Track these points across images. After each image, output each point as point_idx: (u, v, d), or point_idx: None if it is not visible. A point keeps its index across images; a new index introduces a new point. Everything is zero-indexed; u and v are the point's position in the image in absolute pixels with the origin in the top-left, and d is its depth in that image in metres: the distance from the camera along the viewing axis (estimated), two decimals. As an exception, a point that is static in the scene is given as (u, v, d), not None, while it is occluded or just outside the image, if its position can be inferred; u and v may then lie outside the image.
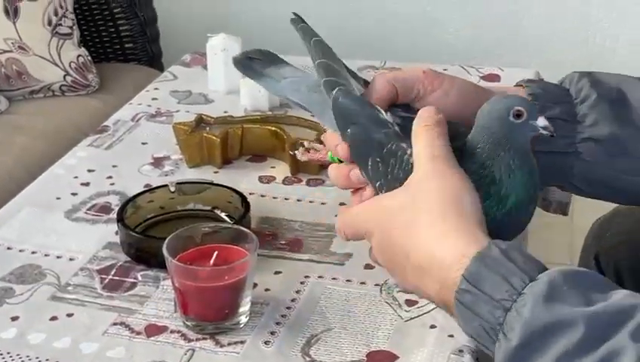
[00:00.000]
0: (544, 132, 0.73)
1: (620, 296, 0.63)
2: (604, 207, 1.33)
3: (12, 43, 2.04)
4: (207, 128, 1.49)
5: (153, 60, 2.34)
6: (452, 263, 0.68)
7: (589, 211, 1.60)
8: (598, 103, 0.82)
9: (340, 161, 0.87)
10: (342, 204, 1.34)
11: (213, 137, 1.45)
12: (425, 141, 0.75)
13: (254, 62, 0.99)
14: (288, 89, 0.95)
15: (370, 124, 0.82)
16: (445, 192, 0.71)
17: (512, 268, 0.65)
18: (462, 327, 0.69)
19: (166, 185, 1.32)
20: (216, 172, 1.45)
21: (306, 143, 0.98)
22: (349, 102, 0.84)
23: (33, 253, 1.24)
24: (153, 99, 1.76)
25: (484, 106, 0.75)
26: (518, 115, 0.72)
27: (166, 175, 1.45)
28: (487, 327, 0.65)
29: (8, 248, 1.26)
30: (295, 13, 0.94)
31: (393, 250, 0.74)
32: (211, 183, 1.35)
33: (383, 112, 0.84)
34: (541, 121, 0.73)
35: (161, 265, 1.09)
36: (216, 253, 1.05)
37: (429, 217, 0.71)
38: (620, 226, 1.22)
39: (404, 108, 0.86)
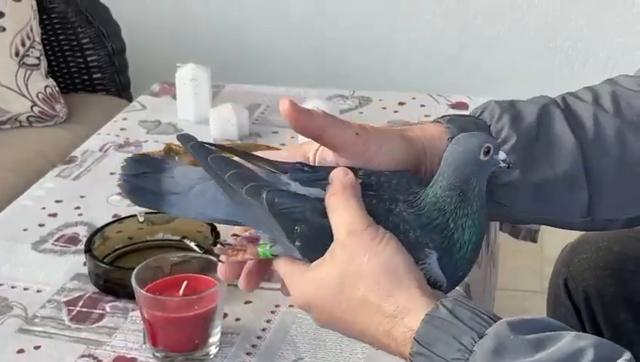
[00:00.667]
0: (503, 165, 0.73)
1: (568, 340, 0.64)
2: (573, 234, 1.34)
3: (-22, 74, 2.03)
4: (177, 158, 1.48)
5: (122, 91, 2.33)
6: (404, 339, 0.69)
7: (558, 238, 1.61)
8: (517, 148, 0.80)
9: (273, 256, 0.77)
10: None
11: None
12: (337, 214, 0.72)
13: (145, 180, 0.79)
14: (202, 202, 0.78)
15: (316, 217, 0.74)
16: (379, 271, 0.70)
17: (460, 326, 0.66)
18: None
19: (134, 216, 1.31)
20: (185, 201, 1.44)
21: (230, 239, 0.82)
22: (286, 200, 0.74)
23: (0, 285, 1.23)
24: (122, 129, 1.76)
25: (455, 148, 0.73)
26: (487, 152, 0.72)
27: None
28: None
29: (-26, 280, 1.24)
30: (183, 135, 0.78)
31: (340, 326, 0.74)
32: (179, 214, 1.34)
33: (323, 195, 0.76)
34: (502, 155, 0.73)
35: (130, 295, 1.09)
36: (185, 282, 1.05)
37: (374, 299, 0.70)
38: (588, 252, 1.22)
39: None
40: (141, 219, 1.30)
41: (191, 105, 1.76)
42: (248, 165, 0.77)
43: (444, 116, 0.83)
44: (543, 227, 1.93)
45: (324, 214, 0.74)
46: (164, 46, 2.82)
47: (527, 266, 2.43)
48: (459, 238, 0.73)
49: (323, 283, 0.73)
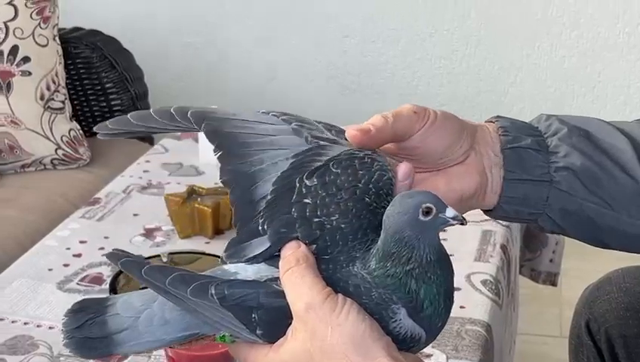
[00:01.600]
0: (454, 222, 0.68)
1: None
2: (593, 276, 1.34)
3: (4, 117, 2.06)
4: (199, 199, 1.50)
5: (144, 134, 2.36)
6: None
7: (577, 281, 1.62)
8: (569, 136, 0.81)
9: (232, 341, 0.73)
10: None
11: (205, 208, 1.46)
12: (294, 290, 0.69)
13: (90, 328, 0.74)
14: (152, 329, 0.73)
15: (272, 299, 0.70)
16: (342, 344, 0.67)
17: None
18: None
19: (158, 256, 1.32)
20: (207, 242, 1.46)
21: None
22: (237, 290, 0.70)
23: (25, 323, 1.24)
24: (144, 171, 1.78)
25: (391, 209, 0.69)
26: (428, 212, 0.67)
27: (157, 246, 1.46)
28: None
29: (0, 319, 1.26)
30: (111, 253, 0.75)
31: None
32: (203, 253, 1.35)
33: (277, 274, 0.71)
34: (449, 212, 0.68)
35: (154, 335, 1.09)
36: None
37: None
38: (610, 293, 1.22)
39: None
40: (164, 259, 1.31)
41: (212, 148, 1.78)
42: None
43: (494, 116, 0.85)
44: (562, 271, 1.93)
45: (280, 294, 0.69)
46: (186, 90, 2.86)
47: (546, 311, 2.42)
48: (427, 294, 0.69)
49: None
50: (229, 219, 1.49)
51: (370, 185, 0.73)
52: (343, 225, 0.71)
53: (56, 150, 2.10)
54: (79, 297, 1.29)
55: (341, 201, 0.72)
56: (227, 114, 0.78)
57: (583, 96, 2.74)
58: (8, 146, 2.08)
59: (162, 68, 2.83)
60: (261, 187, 0.74)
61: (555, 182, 0.80)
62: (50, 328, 1.23)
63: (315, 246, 0.71)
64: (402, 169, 0.74)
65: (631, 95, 2.70)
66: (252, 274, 0.71)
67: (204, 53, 2.90)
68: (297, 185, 0.73)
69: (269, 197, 0.73)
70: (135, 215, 1.58)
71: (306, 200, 0.72)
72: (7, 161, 2.10)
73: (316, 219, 0.72)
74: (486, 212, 0.84)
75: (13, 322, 1.25)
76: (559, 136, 0.81)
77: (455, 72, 2.80)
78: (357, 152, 0.75)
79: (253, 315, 0.70)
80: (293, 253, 0.70)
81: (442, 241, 0.70)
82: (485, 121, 0.85)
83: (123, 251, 0.73)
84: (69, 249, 1.46)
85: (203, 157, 1.80)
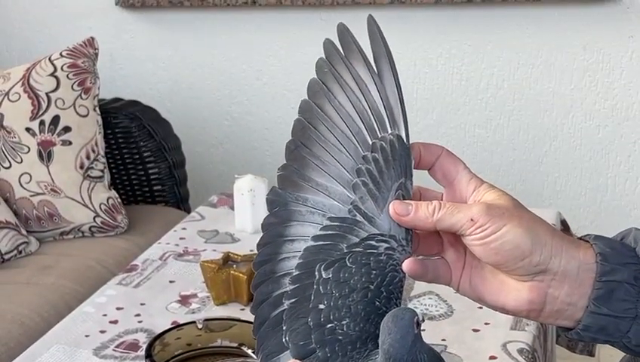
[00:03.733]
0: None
1: None
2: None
3: (45, 186, 2.11)
4: (234, 266, 1.51)
5: (181, 202, 2.40)
6: None
7: (615, 351, 1.59)
8: None
9: None
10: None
11: (240, 274, 1.47)
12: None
13: None
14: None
15: None
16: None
17: None
18: None
19: (194, 322, 1.33)
20: (242, 309, 1.47)
21: None
22: None
23: (62, 389, 1.25)
24: (181, 238, 1.80)
25: (390, 337, 0.70)
26: (418, 324, 0.70)
27: (193, 312, 1.47)
28: None
29: (37, 385, 1.27)
30: None
31: None
32: (238, 320, 1.36)
33: None
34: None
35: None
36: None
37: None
38: (646, 361, 1.20)
39: None
40: (200, 326, 1.33)
41: (248, 215, 1.80)
42: None
43: (588, 235, 0.80)
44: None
45: None
46: (222, 160, 2.89)
47: (584, 382, 2.38)
48: None
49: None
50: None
51: (382, 289, 0.75)
52: (340, 337, 0.74)
53: (94, 218, 2.13)
54: (115, 363, 1.31)
55: (352, 304, 0.75)
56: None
57: (618, 165, 2.73)
58: (48, 214, 2.12)
59: (199, 137, 2.87)
60: (287, 262, 0.78)
61: (639, 319, 0.77)
62: (86, 394, 1.24)
63: (315, 358, 0.74)
64: (406, 266, 0.76)
65: (667, 164, 2.69)
66: None
67: (244, 123, 2.94)
68: (316, 275, 0.77)
69: (292, 277, 0.77)
70: (171, 281, 1.60)
71: (321, 306, 0.75)
72: (47, 229, 2.14)
73: (329, 326, 0.75)
74: (565, 330, 0.80)
75: (49, 388, 1.26)
76: None
77: (489, 140, 2.81)
78: (376, 246, 0.77)
79: None
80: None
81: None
82: (580, 238, 0.80)
83: None
84: (105, 315, 1.47)
85: (239, 224, 1.82)
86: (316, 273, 0.76)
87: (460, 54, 2.75)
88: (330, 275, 0.76)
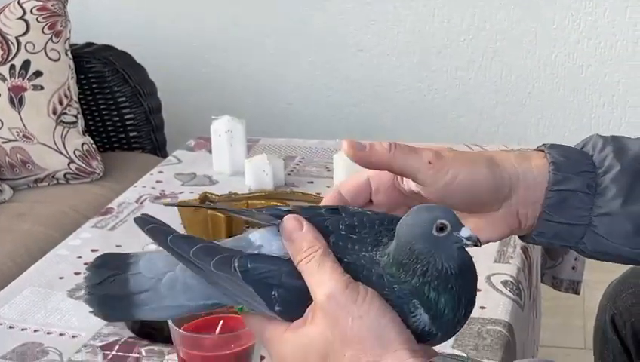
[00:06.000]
0: (468, 242, 0.67)
1: None
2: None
3: (17, 132, 2.05)
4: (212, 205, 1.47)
5: (158, 148, 2.35)
6: None
7: (600, 292, 1.57)
8: (621, 177, 0.76)
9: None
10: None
11: (219, 214, 1.43)
12: (312, 277, 0.68)
13: (111, 286, 0.72)
14: (174, 294, 0.72)
15: (293, 280, 0.70)
16: (365, 335, 0.66)
17: None
18: None
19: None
20: (221, 249, 1.43)
21: None
22: (259, 264, 0.70)
23: (35, 331, 1.22)
24: (157, 181, 1.76)
25: (405, 219, 0.69)
26: (442, 228, 0.67)
27: (171, 253, 1.43)
28: None
29: (10, 327, 1.23)
30: (140, 217, 0.72)
31: None
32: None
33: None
34: (464, 232, 0.67)
35: (166, 339, 1.07)
36: (221, 322, 1.02)
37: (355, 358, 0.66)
38: (636, 285, 1.19)
39: None
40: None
41: (226, 157, 1.76)
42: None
43: (544, 144, 0.80)
44: (585, 282, 1.89)
45: (300, 275, 0.69)
46: (199, 105, 2.84)
47: (570, 323, 2.37)
48: (447, 302, 0.68)
49: (306, 349, 0.68)
50: (242, 226, 1.46)
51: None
52: (369, 212, 0.73)
53: (69, 164, 2.08)
54: (90, 304, 1.27)
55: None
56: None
57: (602, 106, 2.70)
58: (21, 161, 2.07)
59: (176, 82, 2.81)
60: None
61: (592, 226, 0.77)
62: (60, 335, 1.21)
63: (342, 224, 0.71)
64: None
65: (651, 103, 2.66)
66: (277, 250, 0.71)
67: (220, 69, 2.88)
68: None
69: None
70: (148, 224, 1.55)
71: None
72: (21, 176, 2.09)
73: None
74: (522, 238, 0.81)
75: (23, 330, 1.22)
76: (611, 176, 0.77)
77: (471, 83, 2.77)
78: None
79: (274, 292, 0.69)
80: (304, 238, 0.69)
81: None
82: (536, 148, 0.80)
83: (152, 217, 0.71)
84: (80, 257, 1.44)
85: (217, 165, 1.78)
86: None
87: (441, -6, 2.70)
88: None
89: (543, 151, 0.79)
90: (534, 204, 0.77)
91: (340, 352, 0.66)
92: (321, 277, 0.67)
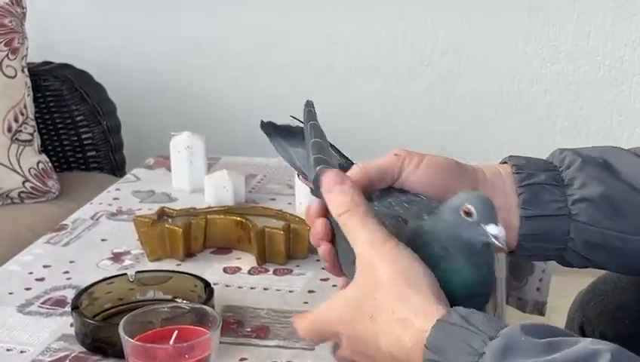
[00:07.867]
0: (494, 241, 0.68)
1: (584, 344, 0.61)
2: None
3: (-30, 150, 2.00)
4: (170, 220, 1.43)
5: (116, 169, 2.30)
6: (415, 343, 0.67)
7: (565, 313, 1.55)
8: (584, 166, 0.81)
9: None
10: (310, 291, 1.28)
11: (176, 228, 1.39)
12: (354, 231, 0.74)
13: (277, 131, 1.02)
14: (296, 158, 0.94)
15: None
16: (396, 276, 0.70)
17: (472, 330, 0.64)
18: None
19: (124, 274, 1.25)
20: (178, 265, 1.39)
21: None
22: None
23: (-19, 346, 1.16)
24: (114, 199, 1.71)
25: (450, 196, 0.74)
26: (467, 213, 0.69)
27: (126, 269, 1.38)
28: None
29: (-45, 342, 1.18)
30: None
31: (362, 344, 0.73)
32: (173, 271, 1.29)
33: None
34: (492, 229, 0.68)
35: (118, 354, 1.03)
36: (176, 332, 0.98)
37: (388, 304, 0.70)
38: (604, 293, 1.18)
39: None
40: (131, 279, 1.25)
41: (186, 174, 1.72)
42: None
43: (504, 158, 0.87)
44: (550, 301, 1.87)
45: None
46: (160, 125, 2.78)
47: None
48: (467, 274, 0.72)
49: (345, 301, 0.73)
50: (200, 241, 1.42)
51: None
52: (421, 196, 0.81)
53: (23, 183, 2.03)
54: (40, 320, 1.22)
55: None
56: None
57: (565, 131, 2.70)
58: (-26, 179, 2.01)
59: (137, 102, 2.77)
60: None
61: (573, 215, 0.79)
62: (7, 350, 1.16)
63: (391, 198, 0.80)
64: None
65: (613, 128, 2.66)
66: None
67: (181, 89, 2.85)
68: None
69: None
70: (103, 240, 1.51)
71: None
72: (-27, 195, 2.03)
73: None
74: (511, 253, 0.83)
75: (-32, 345, 1.17)
76: (574, 168, 0.81)
77: (436, 108, 2.76)
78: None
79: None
80: (347, 193, 0.75)
81: None
82: (500, 162, 0.86)
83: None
84: (31, 273, 1.38)
85: (176, 183, 1.74)
86: None
87: (405, 17, 2.69)
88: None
89: (505, 162, 0.85)
90: (513, 209, 0.81)
91: (372, 296, 0.70)
92: (359, 226, 0.73)
